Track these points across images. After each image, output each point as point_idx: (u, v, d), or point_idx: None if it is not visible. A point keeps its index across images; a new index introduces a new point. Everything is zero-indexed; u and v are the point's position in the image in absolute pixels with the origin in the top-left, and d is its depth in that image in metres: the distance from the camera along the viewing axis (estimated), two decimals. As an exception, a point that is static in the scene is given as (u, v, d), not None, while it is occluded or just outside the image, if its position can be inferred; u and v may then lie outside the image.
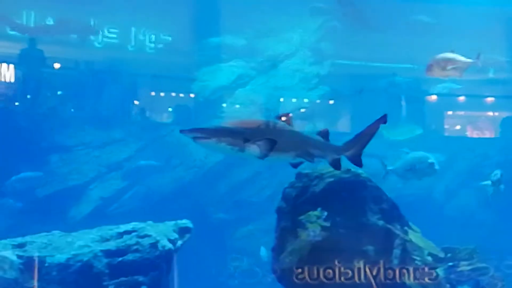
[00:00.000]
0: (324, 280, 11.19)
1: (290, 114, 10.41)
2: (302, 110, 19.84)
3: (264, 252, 17.86)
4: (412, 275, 11.25)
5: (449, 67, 12.97)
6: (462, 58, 13.29)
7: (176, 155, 18.90)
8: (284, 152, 9.92)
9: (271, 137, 9.46)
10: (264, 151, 9.41)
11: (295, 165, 10.80)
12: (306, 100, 20.10)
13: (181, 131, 9.21)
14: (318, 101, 19.86)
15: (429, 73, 13.32)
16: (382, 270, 11.22)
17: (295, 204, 11.94)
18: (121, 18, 18.86)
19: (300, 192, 12.02)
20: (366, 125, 10.61)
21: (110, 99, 19.02)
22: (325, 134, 10.65)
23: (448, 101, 23.28)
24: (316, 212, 11.62)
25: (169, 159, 18.80)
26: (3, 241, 11.99)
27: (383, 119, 10.62)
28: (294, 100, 20.23)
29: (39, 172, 16.92)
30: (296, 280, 11.34)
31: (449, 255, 11.84)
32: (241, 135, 9.34)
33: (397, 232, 11.68)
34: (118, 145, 18.73)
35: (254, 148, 9.37)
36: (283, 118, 10.19)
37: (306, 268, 11.24)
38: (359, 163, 10.70)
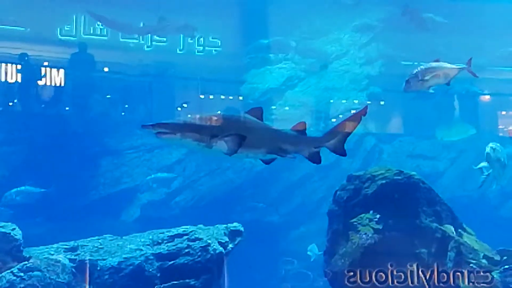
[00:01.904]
0: (377, 283, 11.07)
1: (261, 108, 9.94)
2: (353, 111, 19.61)
3: (314, 250, 17.78)
4: (466, 278, 11.07)
5: (427, 76, 12.75)
6: (447, 65, 13.06)
7: (226, 158, 18.83)
8: (254, 148, 9.52)
9: (239, 132, 9.10)
10: (232, 147, 9.04)
11: (267, 162, 10.20)
12: (356, 101, 19.91)
13: (143, 126, 8.95)
14: (368, 102, 19.67)
15: (407, 88, 13.14)
16: (435, 273, 11.07)
17: (346, 207, 11.85)
18: (170, 21, 18.89)
19: (351, 195, 11.92)
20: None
21: (160, 103, 19.08)
22: (301, 128, 10.12)
23: (503, 100, 22.88)
24: (368, 215, 11.50)
25: (220, 162, 18.76)
26: (56, 245, 12.09)
27: (364, 111, 10.21)
28: (344, 101, 20.05)
29: (42, 188, 16.86)
30: (348, 284, 11.23)
31: (504, 257, 11.58)
32: (208, 131, 9.00)
33: (451, 234, 11.51)
34: (168, 148, 18.75)
35: (221, 144, 9.01)
36: (253, 113, 9.74)
37: (358, 271, 11.13)
38: (342, 153, 10.22)
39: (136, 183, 18.47)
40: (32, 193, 16.68)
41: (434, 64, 12.93)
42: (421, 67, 12.81)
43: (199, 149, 9.15)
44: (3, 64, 17.15)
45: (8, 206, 16.52)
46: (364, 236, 11.30)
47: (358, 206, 11.70)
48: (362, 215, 11.54)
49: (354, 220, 11.52)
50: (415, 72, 12.77)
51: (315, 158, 10.15)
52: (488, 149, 14.06)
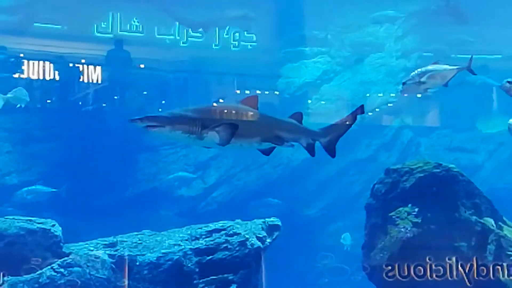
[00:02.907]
0: (415, 277, 11.03)
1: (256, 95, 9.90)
2: (389, 104, 19.54)
3: (348, 239, 17.75)
4: (506, 271, 11.00)
5: (424, 79, 12.64)
6: (445, 67, 12.93)
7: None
8: (248, 137, 9.36)
9: (231, 122, 8.97)
10: (225, 137, 8.89)
11: (265, 152, 10.11)
12: (392, 95, 19.80)
13: (131, 120, 8.83)
14: (405, 95, 19.53)
15: (404, 91, 13.04)
16: (475, 266, 11.01)
17: (384, 200, 11.81)
18: (205, 17, 18.91)
19: (389, 188, 11.88)
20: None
21: (196, 98, 19.12)
22: (298, 117, 10.03)
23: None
24: (407, 208, 11.45)
25: (256, 157, 18.75)
26: (95, 241, 12.18)
27: (360, 110, 10.20)
28: (380, 94, 19.94)
29: (54, 188, 16.93)
30: (386, 278, 11.20)
31: (546, 250, 11.47)
32: (198, 122, 8.86)
33: (491, 227, 11.41)
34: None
35: (213, 135, 8.90)
36: (247, 101, 9.64)
37: (396, 265, 11.10)
38: (332, 152, 10.10)
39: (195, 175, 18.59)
40: (43, 192, 16.75)
41: (431, 66, 12.86)
42: (418, 69, 12.77)
43: (190, 141, 9.07)
44: (40, 62, 17.28)
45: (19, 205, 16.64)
46: (402, 229, 11.26)
47: (396, 199, 11.65)
48: (401, 208, 11.49)
49: (393, 213, 11.47)
50: (412, 74, 12.74)
51: (311, 150, 10.05)
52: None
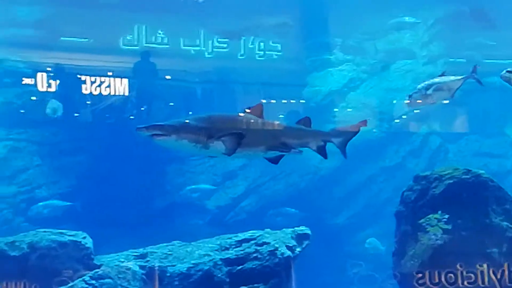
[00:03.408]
0: (446, 284, 10.97)
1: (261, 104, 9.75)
2: (416, 111, 19.44)
3: (375, 244, 17.67)
4: (538, 277, 10.91)
5: (430, 91, 12.57)
6: (451, 78, 12.85)
7: (290, 161, 18.86)
8: (254, 146, 9.34)
9: (237, 131, 8.95)
10: (230, 146, 8.89)
11: (273, 160, 10.00)
12: (419, 101, 19.68)
13: (138, 129, 8.81)
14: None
15: (410, 103, 12.98)
16: (506, 273, 10.93)
17: (414, 208, 11.75)
18: (230, 27, 18.95)
19: (419, 195, 11.82)
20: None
21: (222, 109, 19.15)
22: (306, 122, 9.96)
23: None
24: (437, 215, 11.39)
25: (283, 166, 18.73)
26: (125, 252, 12.23)
27: (364, 123, 10.27)
28: (406, 101, 19.83)
29: (69, 202, 16.99)
30: (417, 285, 11.15)
31: None
32: (204, 131, 8.84)
33: (523, 233, 11.33)
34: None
35: (219, 145, 8.89)
36: (253, 110, 9.55)
37: (427, 273, 11.04)
38: (344, 153, 10.14)
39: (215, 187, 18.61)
40: (58, 206, 16.82)
41: (437, 79, 12.81)
42: (425, 82, 12.73)
43: (195, 151, 9.05)
44: (67, 75, 17.42)
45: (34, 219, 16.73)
46: (433, 236, 11.20)
47: (426, 206, 11.59)
48: (431, 215, 11.43)
49: (423, 220, 11.41)
50: (418, 87, 12.69)
51: (323, 152, 10.00)
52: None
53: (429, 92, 12.60)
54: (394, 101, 19.75)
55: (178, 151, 9.21)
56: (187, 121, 9.05)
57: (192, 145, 8.89)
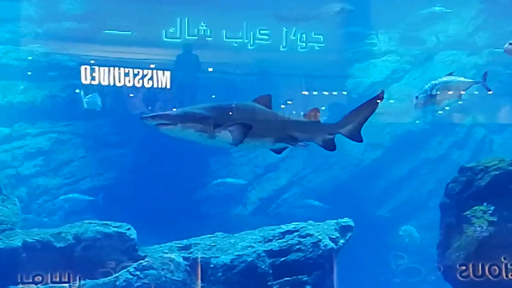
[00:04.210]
0: (490, 277, 10.90)
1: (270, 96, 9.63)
2: (460, 102, 19.24)
3: (411, 232, 17.57)
4: None
5: (437, 92, 12.38)
6: (459, 79, 12.64)
7: (332, 153, 18.78)
8: (261, 137, 9.24)
9: (245, 121, 8.85)
10: (237, 137, 8.80)
11: (277, 151, 10.01)
12: (463, 92, 19.49)
13: (142, 118, 8.77)
14: (476, 92, 19.23)
15: (416, 104, 12.74)
16: (553, 265, 10.84)
17: (459, 199, 11.69)
18: (272, 19, 18.91)
19: (464, 187, 11.76)
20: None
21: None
22: (314, 115, 9.80)
23: None
24: (482, 207, 11.31)
25: (327, 158, 18.70)
26: (169, 244, 12.32)
27: (381, 95, 9.90)
28: (450, 92, 19.65)
29: (89, 196, 17.05)
30: (460, 278, 11.11)
31: None
32: (211, 120, 8.78)
33: None
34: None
35: (225, 134, 8.81)
36: (261, 100, 9.46)
37: (473, 265, 11.00)
38: (359, 139, 9.77)
39: (244, 182, 18.61)
40: (79, 200, 16.91)
41: (445, 78, 12.63)
42: (432, 82, 12.55)
43: (201, 140, 8.94)
44: (110, 68, 17.52)
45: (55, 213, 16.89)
46: (478, 228, 11.12)
47: (471, 198, 11.53)
48: (476, 207, 11.36)
49: (468, 212, 11.35)
50: (425, 87, 12.53)
51: (330, 145, 9.79)
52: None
53: (433, 92, 12.45)
54: (438, 92, 19.54)
55: (184, 140, 9.11)
56: (194, 110, 9.01)
57: (197, 134, 8.84)
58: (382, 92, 10.00)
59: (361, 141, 9.80)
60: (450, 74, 12.98)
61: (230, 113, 9.07)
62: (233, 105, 9.38)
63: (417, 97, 12.74)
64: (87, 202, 16.73)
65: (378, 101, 9.89)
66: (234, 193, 18.32)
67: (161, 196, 17.29)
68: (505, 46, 11.52)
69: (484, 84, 12.89)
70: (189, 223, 15.99)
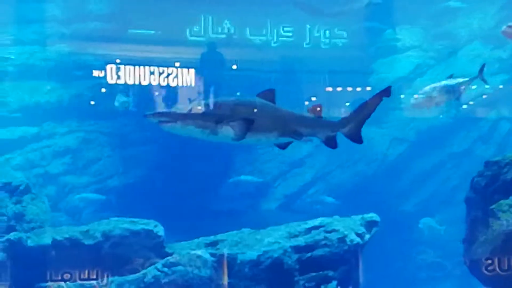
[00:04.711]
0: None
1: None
2: (484, 96, 19.19)
3: (430, 223, 17.54)
4: None
5: (435, 94, 12.30)
6: (457, 81, 12.55)
7: (357, 149, 18.81)
8: (264, 132, 9.20)
9: (247, 116, 8.83)
10: (240, 132, 8.77)
11: (282, 146, 9.92)
12: (487, 87, 19.42)
13: (145, 116, 8.80)
14: (500, 86, 19.18)
15: (414, 105, 12.67)
16: None
17: (485, 193, 11.66)
18: (295, 15, 18.93)
19: (489, 181, 11.73)
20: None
21: (288, 97, 19.14)
22: (316, 110, 9.81)
23: None
24: (508, 201, 11.29)
25: (351, 154, 18.71)
26: (196, 240, 12.41)
27: (386, 93, 9.74)
28: (474, 87, 19.58)
29: (102, 195, 17.12)
30: (486, 272, 11.10)
31: None
32: (213, 116, 8.77)
33: None
34: (298, 142, 18.82)
35: (228, 130, 8.79)
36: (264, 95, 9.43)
37: (496, 259, 10.99)
38: (358, 140, 9.73)
39: (268, 178, 18.65)
40: (93, 200, 16.99)
41: (443, 82, 12.59)
42: (431, 85, 12.52)
43: (204, 136, 8.93)
44: (135, 67, 17.62)
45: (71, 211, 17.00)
46: (504, 222, 11.11)
47: (497, 192, 11.50)
48: (502, 201, 11.34)
49: (494, 206, 11.33)
50: (424, 89, 12.49)
51: (332, 143, 9.80)
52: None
53: (434, 94, 12.43)
54: (437, 95, 19.48)
55: (187, 136, 9.14)
56: (195, 106, 9.06)
57: (199, 131, 8.82)
58: (389, 87, 9.90)
59: (360, 142, 9.80)
60: (450, 76, 12.92)
61: (232, 109, 9.03)
62: (235, 100, 9.39)
63: (416, 98, 12.69)
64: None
65: (384, 96, 9.81)
66: (250, 191, 18.37)
67: (186, 193, 17.38)
68: (503, 29, 11.46)
69: (481, 77, 12.83)
70: (214, 220, 16.11)
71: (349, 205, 16.81)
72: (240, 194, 18.12)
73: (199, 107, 9.02)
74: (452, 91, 12.71)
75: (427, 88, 12.68)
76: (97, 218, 13.00)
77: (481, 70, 12.82)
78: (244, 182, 18.27)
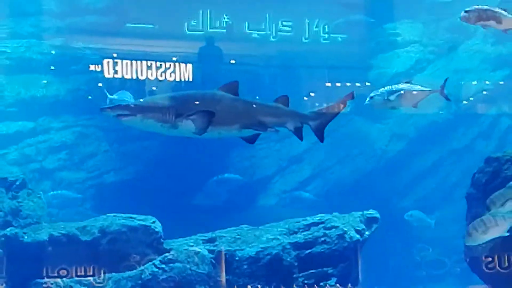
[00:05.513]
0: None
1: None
2: (484, 92, 19.13)
3: (419, 216, 17.48)
4: None
5: (392, 97, 12.18)
6: (416, 87, 12.44)
7: (356, 145, 18.76)
8: (226, 124, 9.09)
9: (208, 109, 8.69)
10: (201, 125, 8.66)
11: (249, 140, 9.75)
12: (487, 82, 19.37)
13: (101, 109, 8.69)
14: (501, 82, 19.10)
15: (370, 103, 12.55)
16: None
17: (485, 190, 11.59)
18: (294, 10, 18.85)
19: (490, 177, 11.70)
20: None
21: (287, 93, 19.03)
22: (284, 101, 9.70)
23: None
24: (510, 197, 11.18)
25: (350, 149, 18.66)
26: (194, 237, 12.32)
27: (349, 96, 9.94)
28: (475, 82, 19.53)
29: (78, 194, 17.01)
30: (486, 269, 11.07)
31: None
32: (172, 110, 8.64)
33: None
34: (296, 138, 18.75)
35: (188, 124, 8.69)
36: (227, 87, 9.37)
37: (496, 257, 10.95)
38: (321, 137, 9.77)
39: (266, 174, 18.56)
40: (68, 197, 16.83)
41: (402, 85, 12.45)
42: (389, 87, 12.37)
43: (163, 130, 8.83)
44: (132, 62, 17.53)
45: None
46: (505, 219, 11.01)
47: (498, 188, 11.37)
48: (503, 197, 11.24)
49: (494, 202, 11.22)
50: (381, 90, 12.35)
51: (299, 134, 9.76)
52: None
53: (391, 98, 12.28)
54: (462, 82, 19.44)
55: (146, 131, 9.05)
56: (154, 100, 9.02)
57: (159, 125, 8.70)
58: (352, 93, 10.08)
59: (321, 140, 9.82)
60: (408, 82, 12.78)
61: (192, 102, 8.96)
62: (195, 94, 9.37)
63: (371, 97, 12.52)
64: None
65: (347, 100, 10.02)
66: (256, 186, 18.29)
67: (183, 190, 17.31)
68: (462, 14, 11.38)
69: (442, 93, 12.71)
70: (211, 216, 16.04)
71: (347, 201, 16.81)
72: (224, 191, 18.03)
73: (159, 101, 8.90)
74: (412, 98, 12.52)
75: (384, 89, 12.46)
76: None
77: (443, 85, 12.68)
78: (228, 180, 18.12)
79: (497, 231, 10.40)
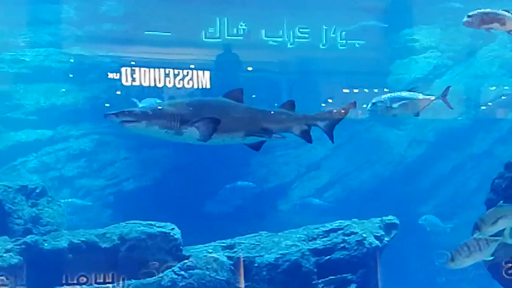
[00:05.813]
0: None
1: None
2: (503, 97, 19.04)
3: (433, 220, 17.38)
4: None
5: (395, 105, 12.06)
6: (419, 96, 12.33)
7: (375, 151, 18.72)
8: (231, 131, 9.01)
9: (213, 116, 8.65)
10: (205, 132, 8.62)
11: (255, 147, 9.64)
12: (506, 88, 19.28)
13: (106, 115, 8.63)
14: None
15: (372, 110, 12.44)
16: None
17: (505, 196, 11.50)
18: (311, 16, 18.86)
19: (510, 183, 11.60)
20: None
21: (305, 99, 19.03)
22: (290, 106, 9.57)
23: None
24: (529, 203, 11.11)
25: (369, 156, 18.63)
26: (213, 243, 12.33)
27: (353, 105, 9.78)
28: (493, 88, 19.45)
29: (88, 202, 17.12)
30: (506, 276, 10.99)
31: None
32: (177, 116, 8.60)
33: None
34: (315, 144, 18.72)
35: (193, 131, 8.65)
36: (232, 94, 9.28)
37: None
38: (331, 136, 9.61)
39: (285, 181, 18.56)
40: (78, 205, 16.79)
41: (404, 93, 12.35)
42: (391, 94, 12.28)
43: (168, 137, 8.80)
44: (151, 69, 17.60)
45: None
46: (526, 225, 10.94)
47: (518, 194, 11.36)
48: (523, 203, 11.17)
49: (515, 208, 11.16)
50: (383, 97, 12.25)
51: (307, 136, 9.62)
52: None
53: (394, 105, 12.20)
54: (481, 88, 19.37)
55: (151, 138, 9.07)
56: (159, 106, 8.94)
57: (164, 131, 8.65)
58: (354, 102, 9.89)
59: (332, 141, 9.72)
60: (411, 90, 12.71)
61: (197, 109, 8.87)
62: (199, 101, 9.56)
63: (374, 103, 12.44)
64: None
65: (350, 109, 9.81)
66: (275, 193, 18.28)
67: (202, 197, 17.34)
68: (464, 19, 11.30)
69: (444, 100, 12.62)
70: (233, 223, 16.06)
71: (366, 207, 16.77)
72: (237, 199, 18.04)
73: (164, 108, 8.86)
74: (414, 106, 12.45)
75: (386, 96, 12.39)
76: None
77: (446, 92, 12.61)
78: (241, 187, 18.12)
79: (480, 255, 10.36)
